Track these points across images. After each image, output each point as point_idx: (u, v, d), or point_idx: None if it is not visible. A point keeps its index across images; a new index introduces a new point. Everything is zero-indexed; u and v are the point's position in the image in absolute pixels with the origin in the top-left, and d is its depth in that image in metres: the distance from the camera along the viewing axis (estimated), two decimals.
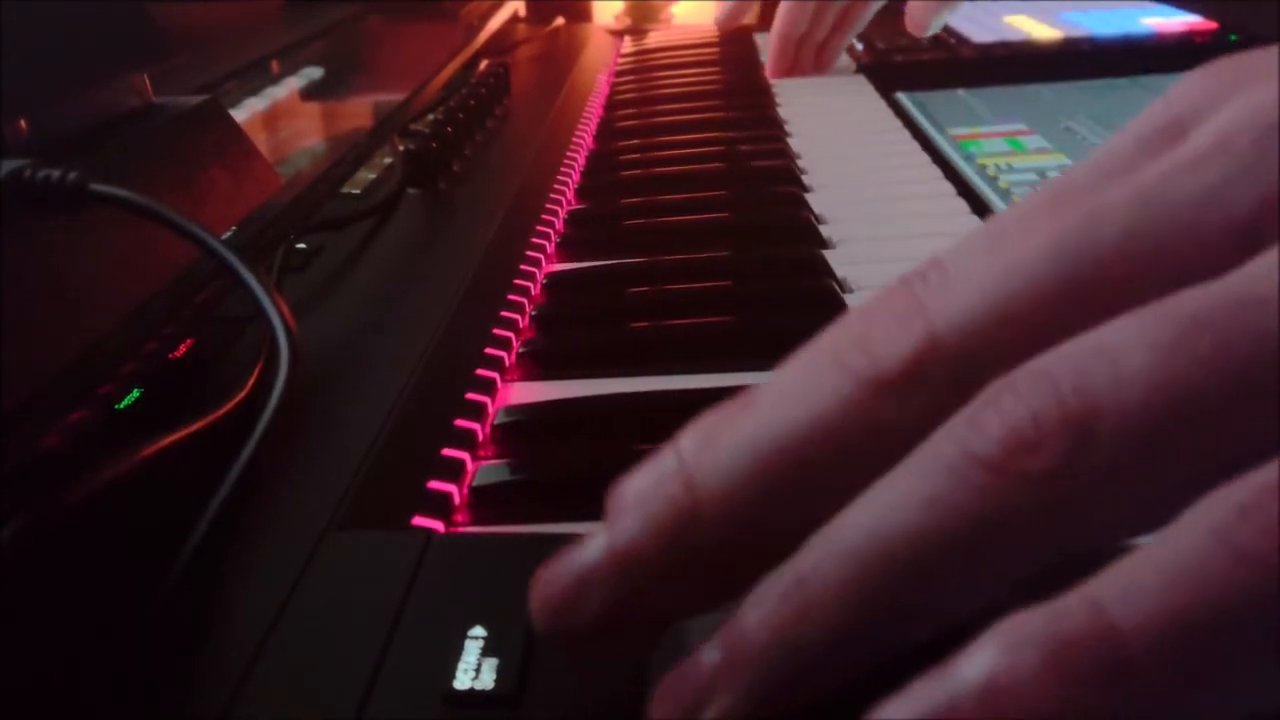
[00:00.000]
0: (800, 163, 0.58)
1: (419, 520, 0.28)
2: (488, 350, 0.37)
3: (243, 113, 0.63)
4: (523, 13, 1.04)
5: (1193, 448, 0.15)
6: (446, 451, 0.31)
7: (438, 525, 0.28)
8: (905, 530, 0.16)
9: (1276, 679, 0.14)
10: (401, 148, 0.56)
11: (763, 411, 0.19)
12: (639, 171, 0.59)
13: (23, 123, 0.39)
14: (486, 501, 0.30)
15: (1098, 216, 0.17)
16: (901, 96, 0.70)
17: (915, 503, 0.16)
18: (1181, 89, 0.20)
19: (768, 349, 0.37)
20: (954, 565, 0.16)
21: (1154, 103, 0.20)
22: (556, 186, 0.55)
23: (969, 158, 0.57)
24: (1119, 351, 0.16)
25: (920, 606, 0.17)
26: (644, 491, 0.19)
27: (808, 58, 0.80)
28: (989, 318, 0.17)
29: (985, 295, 0.18)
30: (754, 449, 0.18)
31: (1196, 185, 0.17)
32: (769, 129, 0.65)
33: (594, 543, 0.19)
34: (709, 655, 0.18)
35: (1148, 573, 0.14)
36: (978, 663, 0.15)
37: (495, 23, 0.88)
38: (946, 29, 0.88)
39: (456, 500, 0.29)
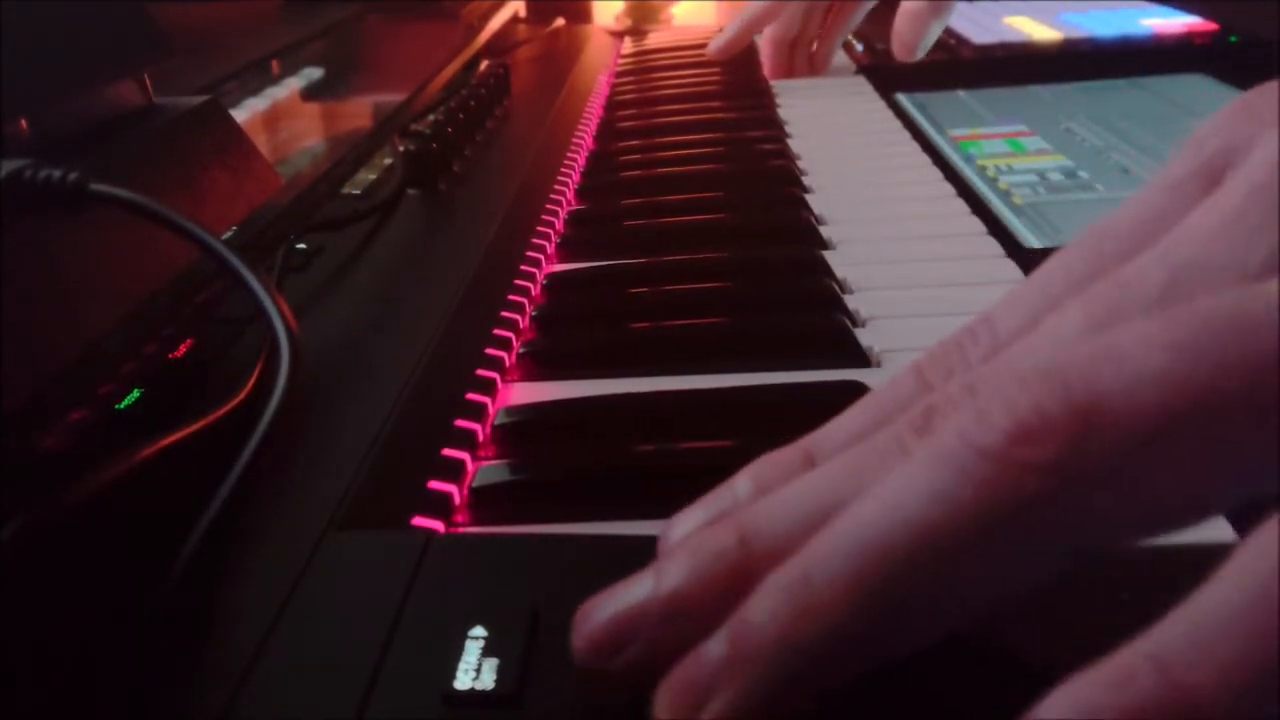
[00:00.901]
0: (800, 164, 0.58)
1: (419, 520, 0.28)
2: (488, 350, 0.37)
3: (243, 113, 0.63)
4: (523, 13, 1.04)
5: (1200, 451, 0.15)
6: (446, 452, 0.31)
7: (438, 525, 0.28)
8: (909, 525, 0.16)
9: None
10: (401, 148, 0.56)
11: (824, 479, 0.19)
12: (639, 172, 0.59)
13: (23, 123, 0.39)
14: (487, 502, 0.30)
15: (1128, 293, 0.18)
16: (901, 97, 0.70)
17: (919, 496, 0.16)
18: (1211, 128, 0.21)
19: (768, 350, 0.37)
20: (958, 561, 0.16)
21: (1187, 143, 0.21)
22: (556, 187, 0.55)
23: (969, 159, 0.57)
24: (1129, 350, 0.16)
25: (925, 604, 0.17)
26: (696, 539, 0.20)
27: (802, 60, 0.80)
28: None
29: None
30: (815, 518, 0.19)
31: (1226, 253, 0.18)
32: (769, 130, 0.65)
33: (642, 583, 0.19)
34: (715, 648, 0.18)
35: (1210, 619, 0.14)
36: None
37: (495, 23, 0.88)
38: (946, 30, 0.88)
39: (457, 500, 0.29)
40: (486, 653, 0.21)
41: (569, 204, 0.55)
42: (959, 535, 0.16)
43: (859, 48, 0.85)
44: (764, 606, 0.17)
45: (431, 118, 0.64)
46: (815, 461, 0.21)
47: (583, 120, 0.69)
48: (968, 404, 0.18)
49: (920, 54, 0.74)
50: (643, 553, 0.25)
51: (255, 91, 0.67)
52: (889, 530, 0.17)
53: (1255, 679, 0.13)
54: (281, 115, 0.67)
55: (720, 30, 0.83)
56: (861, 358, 0.36)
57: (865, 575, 0.17)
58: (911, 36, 0.73)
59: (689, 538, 0.20)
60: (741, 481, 0.21)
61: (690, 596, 0.19)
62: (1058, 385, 0.16)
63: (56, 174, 0.34)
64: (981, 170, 0.55)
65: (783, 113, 0.69)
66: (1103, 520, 0.16)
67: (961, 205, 0.50)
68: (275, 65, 0.72)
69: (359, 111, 0.70)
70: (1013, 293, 0.22)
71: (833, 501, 0.19)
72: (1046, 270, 0.21)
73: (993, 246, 0.45)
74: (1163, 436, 0.15)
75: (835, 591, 0.17)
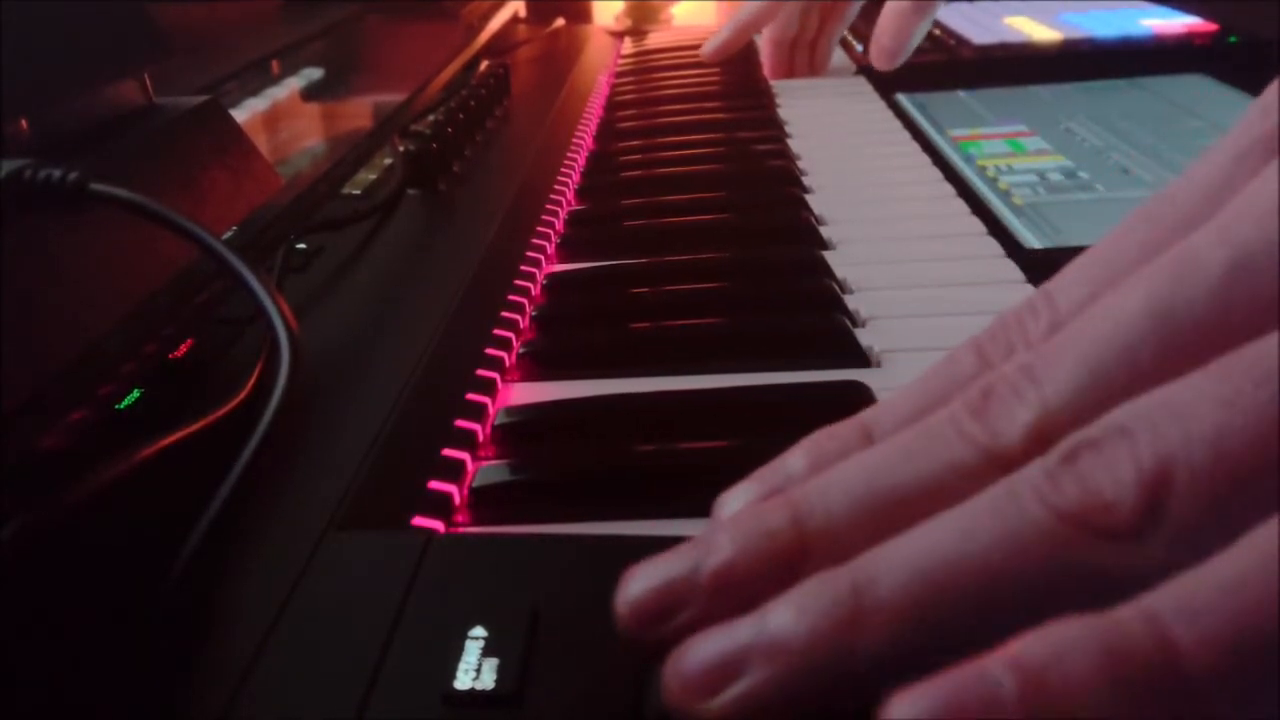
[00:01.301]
0: (800, 164, 0.58)
1: (419, 520, 0.28)
2: (488, 350, 0.37)
3: (243, 113, 0.63)
4: (523, 13, 1.04)
5: (1260, 500, 0.15)
6: (447, 452, 0.31)
7: (438, 525, 0.28)
8: (973, 560, 0.17)
9: None
10: (401, 148, 0.56)
11: (879, 460, 0.19)
12: (639, 172, 0.59)
13: (23, 123, 0.39)
14: (487, 502, 0.30)
15: (1189, 273, 0.18)
16: (901, 98, 0.70)
17: (988, 536, 0.17)
18: (1277, 96, 0.20)
19: (768, 350, 0.37)
20: (1015, 602, 0.16)
21: (1250, 111, 0.20)
22: (557, 187, 0.55)
23: (969, 159, 0.57)
24: (1189, 410, 0.16)
25: (969, 635, 0.17)
26: (750, 514, 0.20)
27: (803, 60, 0.80)
28: (1093, 387, 0.18)
29: (1089, 365, 0.18)
30: (869, 500, 0.19)
31: None
32: (769, 130, 0.65)
33: (690, 554, 0.19)
34: (747, 632, 0.18)
35: (1208, 590, 0.14)
36: (1023, 660, 0.14)
37: (495, 23, 0.88)
38: (946, 30, 0.88)
39: (457, 500, 0.29)
40: (486, 653, 0.21)
41: (569, 204, 0.55)
42: (1022, 578, 0.16)
43: (859, 48, 0.85)
44: (808, 606, 0.17)
45: (431, 118, 0.64)
46: (873, 438, 0.21)
47: (583, 120, 0.69)
48: (1027, 389, 0.18)
49: (902, 59, 0.73)
50: (643, 553, 0.25)
51: (255, 91, 0.67)
52: (951, 562, 0.17)
53: (1241, 649, 0.14)
54: (281, 115, 0.67)
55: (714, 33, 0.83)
56: (861, 358, 0.36)
57: (919, 600, 0.17)
58: (893, 39, 0.71)
59: (742, 513, 0.20)
60: (796, 456, 0.21)
61: (740, 571, 0.19)
62: (1127, 452, 0.16)
63: (56, 174, 0.34)
64: (981, 170, 0.55)
65: (783, 113, 0.69)
66: (1167, 571, 0.16)
67: (961, 205, 0.50)
68: (275, 65, 0.72)
69: (359, 111, 0.70)
70: (1074, 264, 0.21)
71: (887, 484, 0.19)
72: (1109, 241, 0.21)
73: (993, 247, 0.45)
74: (1222, 496, 0.15)
75: (886, 610, 0.17)
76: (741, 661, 0.17)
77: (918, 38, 0.73)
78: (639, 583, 0.19)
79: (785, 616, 0.17)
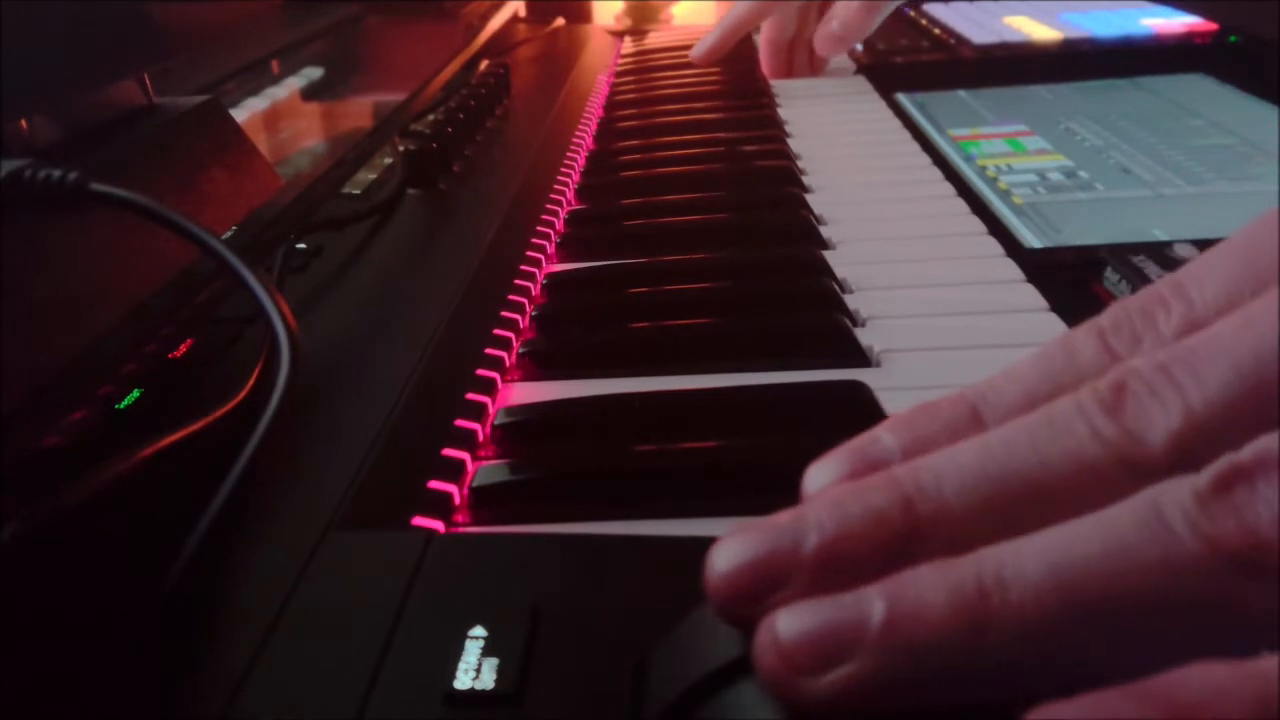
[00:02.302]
0: (800, 163, 0.58)
1: (419, 520, 0.28)
2: (488, 350, 0.37)
3: (243, 113, 0.63)
4: (523, 13, 1.04)
5: None
6: (447, 451, 0.31)
7: (438, 525, 0.28)
8: (1116, 574, 0.15)
9: None
10: (402, 148, 0.56)
11: (999, 445, 0.18)
12: (639, 172, 0.59)
13: (23, 123, 0.39)
14: (486, 502, 0.30)
15: None
16: (901, 97, 0.70)
17: (1134, 552, 0.15)
18: None
19: (768, 350, 0.37)
20: (1147, 623, 0.15)
21: None
22: (556, 187, 0.55)
23: (969, 159, 0.57)
24: None
25: (1091, 649, 0.16)
26: (857, 491, 0.18)
27: (801, 59, 0.80)
28: (1243, 398, 0.17)
29: (1240, 374, 0.17)
30: (987, 488, 0.17)
31: None
32: (769, 129, 0.65)
33: (788, 529, 0.18)
34: (856, 612, 0.16)
35: None
36: (1175, 697, 0.14)
37: (495, 23, 0.88)
38: (946, 30, 0.88)
39: (457, 500, 0.29)
40: (486, 652, 0.21)
41: (569, 204, 0.55)
42: (1154, 603, 0.15)
43: (859, 47, 0.85)
44: (930, 598, 0.16)
45: (431, 118, 0.64)
46: (982, 419, 0.20)
47: (583, 120, 0.69)
48: (1168, 392, 0.17)
49: (846, 48, 0.76)
50: (643, 553, 0.25)
51: (255, 91, 0.67)
52: (1088, 572, 0.16)
53: None
54: (281, 115, 0.67)
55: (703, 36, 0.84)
56: (861, 357, 0.36)
57: (1051, 613, 0.16)
58: (843, 28, 0.73)
59: (842, 489, 0.19)
60: (890, 432, 0.20)
61: (846, 551, 0.17)
62: None
63: (56, 174, 0.34)
64: (981, 170, 0.55)
65: (783, 113, 0.69)
66: None
67: (961, 205, 0.50)
68: (275, 65, 0.72)
69: (359, 111, 0.70)
70: (1208, 258, 0.19)
71: (1008, 472, 0.17)
72: (1249, 236, 0.19)
73: (993, 246, 0.45)
74: None
75: (1013, 618, 0.16)
76: (853, 642, 0.16)
77: (866, 31, 0.74)
78: (732, 554, 0.18)
79: (905, 605, 0.16)
